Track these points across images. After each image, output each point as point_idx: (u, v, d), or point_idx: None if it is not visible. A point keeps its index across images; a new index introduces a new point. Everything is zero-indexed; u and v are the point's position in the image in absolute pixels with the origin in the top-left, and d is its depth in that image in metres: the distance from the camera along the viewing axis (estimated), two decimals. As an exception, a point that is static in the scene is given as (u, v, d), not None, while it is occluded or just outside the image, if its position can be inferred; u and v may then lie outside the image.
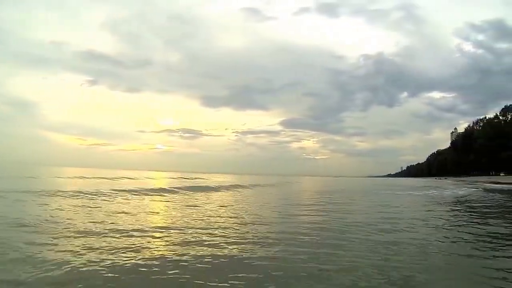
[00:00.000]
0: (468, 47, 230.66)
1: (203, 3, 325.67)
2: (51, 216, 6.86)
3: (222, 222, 7.05)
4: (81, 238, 4.92)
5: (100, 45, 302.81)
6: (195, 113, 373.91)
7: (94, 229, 5.62)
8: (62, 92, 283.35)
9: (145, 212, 8.71)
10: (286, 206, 11.70)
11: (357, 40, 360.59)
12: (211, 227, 6.42)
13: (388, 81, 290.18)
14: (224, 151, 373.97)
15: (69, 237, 4.97)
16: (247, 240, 5.22)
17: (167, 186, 18.73)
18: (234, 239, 5.30)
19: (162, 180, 29.41)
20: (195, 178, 34.02)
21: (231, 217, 7.97)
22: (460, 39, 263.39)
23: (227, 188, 21.27)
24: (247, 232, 5.94)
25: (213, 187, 20.65)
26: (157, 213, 8.92)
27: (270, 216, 8.69)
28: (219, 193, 17.56)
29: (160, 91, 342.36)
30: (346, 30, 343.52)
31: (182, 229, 6.02)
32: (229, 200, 13.55)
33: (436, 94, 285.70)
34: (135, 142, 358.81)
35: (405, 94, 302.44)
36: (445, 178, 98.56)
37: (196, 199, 13.20)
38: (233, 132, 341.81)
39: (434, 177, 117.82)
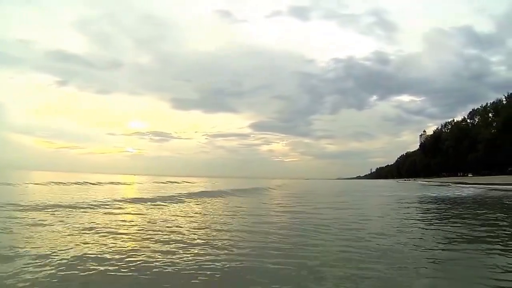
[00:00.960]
0: (437, 52, 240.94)
1: (175, 5, 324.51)
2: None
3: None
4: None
5: (70, 45, 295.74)
6: (166, 116, 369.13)
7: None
8: (30, 93, 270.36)
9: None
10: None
11: (328, 44, 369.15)
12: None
13: (358, 84, 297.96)
14: (194, 154, 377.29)
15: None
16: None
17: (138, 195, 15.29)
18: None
19: (131, 189, 24.04)
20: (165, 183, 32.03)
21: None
22: (429, 44, 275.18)
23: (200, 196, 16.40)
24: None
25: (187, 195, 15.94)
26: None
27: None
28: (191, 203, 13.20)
29: (131, 93, 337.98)
30: (317, 34, 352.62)
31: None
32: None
33: (405, 98, 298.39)
34: (105, 145, 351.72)
35: (374, 97, 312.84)
36: (414, 179, 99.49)
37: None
38: (203, 135, 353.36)
39: (403, 179, 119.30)
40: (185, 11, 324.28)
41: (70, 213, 8.11)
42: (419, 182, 73.02)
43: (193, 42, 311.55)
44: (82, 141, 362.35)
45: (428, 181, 71.67)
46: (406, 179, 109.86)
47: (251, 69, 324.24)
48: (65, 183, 23.35)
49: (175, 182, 38.94)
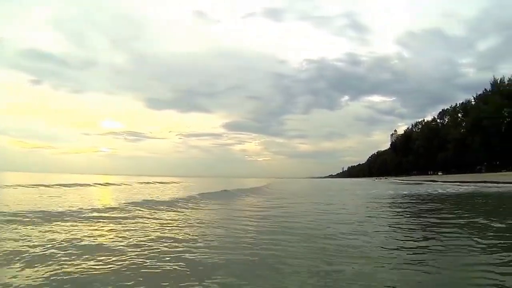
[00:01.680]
0: (408, 54, 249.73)
1: (150, 5, 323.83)
2: None
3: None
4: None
5: (44, 44, 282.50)
6: (140, 116, 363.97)
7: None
8: (3, 92, 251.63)
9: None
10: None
11: (301, 45, 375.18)
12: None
13: (330, 85, 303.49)
14: (169, 154, 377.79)
15: None
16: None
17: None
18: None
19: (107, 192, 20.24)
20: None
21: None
22: (400, 46, 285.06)
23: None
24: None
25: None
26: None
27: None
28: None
29: (106, 93, 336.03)
30: (291, 35, 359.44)
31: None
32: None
33: (376, 98, 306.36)
34: (79, 145, 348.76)
35: (346, 97, 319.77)
36: (386, 178, 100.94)
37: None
38: (177, 135, 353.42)
39: (375, 177, 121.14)
40: (160, 11, 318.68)
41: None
42: (392, 180, 73.56)
43: (167, 42, 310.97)
44: (56, 141, 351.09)
45: (400, 180, 72.42)
46: (378, 178, 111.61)
47: (224, 70, 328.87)
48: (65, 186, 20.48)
49: (163, 183, 36.73)
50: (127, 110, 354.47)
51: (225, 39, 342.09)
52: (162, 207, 9.40)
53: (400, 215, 9.05)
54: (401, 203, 13.02)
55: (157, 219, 7.33)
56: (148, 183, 35.20)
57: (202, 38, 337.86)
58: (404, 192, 20.86)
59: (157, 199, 11.79)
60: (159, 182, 37.95)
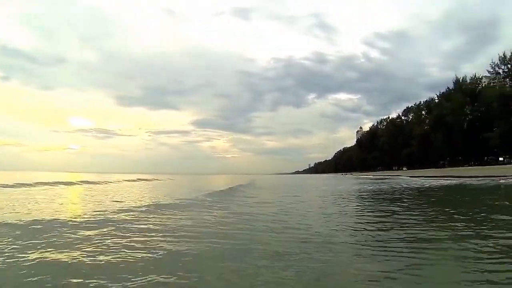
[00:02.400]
0: (374, 53, 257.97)
1: (121, 2, 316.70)
2: None
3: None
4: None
5: (13, 40, 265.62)
6: (110, 113, 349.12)
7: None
8: None
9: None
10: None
11: (269, 44, 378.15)
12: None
13: (297, 83, 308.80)
14: (138, 151, 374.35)
15: None
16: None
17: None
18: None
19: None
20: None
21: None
22: (367, 46, 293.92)
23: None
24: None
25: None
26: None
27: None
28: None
29: (75, 89, 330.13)
30: (259, 34, 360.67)
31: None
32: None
33: (342, 96, 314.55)
34: (48, 142, 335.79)
35: (313, 95, 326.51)
36: (351, 174, 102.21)
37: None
38: (146, 132, 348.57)
39: (341, 173, 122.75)
40: (131, 9, 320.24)
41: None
42: (359, 176, 73.90)
43: (138, 40, 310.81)
44: (25, 138, 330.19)
45: (366, 175, 73.03)
46: (344, 173, 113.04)
47: (193, 68, 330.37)
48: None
49: (146, 180, 36.19)
50: (96, 107, 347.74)
51: (194, 37, 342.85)
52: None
53: (364, 207, 9.82)
54: (367, 196, 13.99)
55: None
56: (132, 180, 32.57)
57: (172, 37, 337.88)
58: (370, 188, 21.57)
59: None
60: (144, 180, 35.97)
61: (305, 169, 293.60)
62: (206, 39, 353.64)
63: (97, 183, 25.52)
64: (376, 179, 44.87)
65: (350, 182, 34.33)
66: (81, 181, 26.36)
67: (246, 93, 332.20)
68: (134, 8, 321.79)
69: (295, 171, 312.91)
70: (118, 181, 30.59)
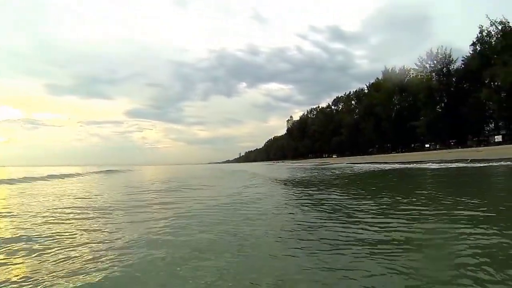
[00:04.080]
0: (307, 46, 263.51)
1: None
2: None
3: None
4: None
5: None
6: (40, 102, 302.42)
7: None
8: None
9: None
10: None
11: (203, 34, 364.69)
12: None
13: (229, 73, 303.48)
14: (69, 142, 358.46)
15: None
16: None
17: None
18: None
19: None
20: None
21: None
22: (300, 38, 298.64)
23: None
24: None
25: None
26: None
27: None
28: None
29: (2, 76, 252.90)
30: (193, 24, 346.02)
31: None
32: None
33: (274, 86, 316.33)
34: None
35: (244, 84, 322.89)
36: (283, 162, 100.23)
37: None
38: (78, 122, 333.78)
39: (273, 161, 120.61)
40: None
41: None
42: (292, 164, 71.03)
43: (69, 28, 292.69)
44: None
45: (300, 163, 70.64)
46: (276, 162, 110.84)
47: (126, 57, 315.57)
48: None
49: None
50: (26, 96, 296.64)
51: (127, 26, 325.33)
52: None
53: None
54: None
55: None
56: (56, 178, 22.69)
57: (104, 25, 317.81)
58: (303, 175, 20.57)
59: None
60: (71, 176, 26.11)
61: (236, 158, 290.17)
62: (140, 28, 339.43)
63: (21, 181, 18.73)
64: (316, 166, 41.81)
65: (286, 171, 29.90)
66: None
67: (178, 82, 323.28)
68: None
69: (226, 160, 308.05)
70: (43, 178, 21.97)
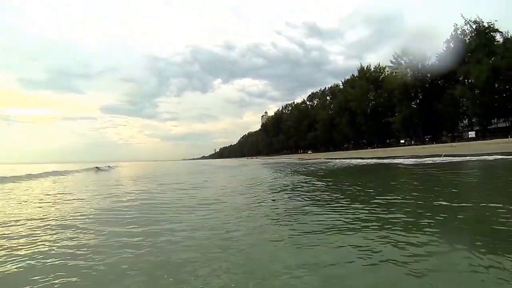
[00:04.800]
0: (282, 42, 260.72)
1: None
2: None
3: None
4: None
5: None
6: (12, 97, 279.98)
7: None
8: None
9: None
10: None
11: (177, 29, 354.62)
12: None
13: (203, 68, 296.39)
14: (43, 138, 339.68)
15: None
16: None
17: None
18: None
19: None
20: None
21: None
22: (276, 34, 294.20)
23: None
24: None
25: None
26: None
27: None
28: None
29: None
30: (167, 19, 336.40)
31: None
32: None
33: (248, 81, 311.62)
34: None
35: (219, 80, 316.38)
36: (257, 158, 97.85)
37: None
38: (51, 119, 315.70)
39: (247, 157, 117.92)
40: None
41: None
42: (267, 160, 68.75)
43: (41, 20, 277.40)
44: None
45: (278, 159, 68.49)
46: (250, 157, 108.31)
47: (100, 51, 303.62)
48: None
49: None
50: None
51: (102, 18, 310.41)
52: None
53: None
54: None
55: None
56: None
57: (78, 17, 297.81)
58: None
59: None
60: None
61: (210, 154, 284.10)
62: (114, 22, 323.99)
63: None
64: (300, 162, 39.31)
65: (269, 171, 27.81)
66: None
67: (152, 77, 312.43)
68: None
69: (201, 156, 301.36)
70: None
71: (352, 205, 5.64)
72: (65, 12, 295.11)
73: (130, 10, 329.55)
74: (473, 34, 40.88)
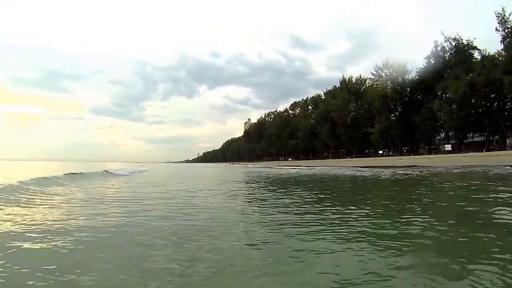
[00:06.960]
0: (266, 52, 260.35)
1: None
2: None
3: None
4: None
5: None
6: (2, 96, 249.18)
7: None
8: None
9: None
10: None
11: (165, 35, 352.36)
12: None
13: (190, 74, 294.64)
14: (30, 137, 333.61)
15: None
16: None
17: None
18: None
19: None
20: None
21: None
22: (260, 44, 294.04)
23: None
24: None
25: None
26: None
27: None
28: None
29: None
30: (157, 24, 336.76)
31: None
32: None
33: (232, 89, 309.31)
34: None
35: (204, 86, 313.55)
36: (239, 163, 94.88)
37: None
38: (40, 117, 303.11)
39: (229, 162, 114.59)
40: None
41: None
42: (247, 166, 66.05)
43: (35, 21, 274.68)
44: None
45: (259, 166, 65.85)
46: (232, 163, 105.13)
47: (89, 54, 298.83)
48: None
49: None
50: None
51: (91, 22, 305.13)
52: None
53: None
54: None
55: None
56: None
57: (67, 18, 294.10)
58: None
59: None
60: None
61: (194, 158, 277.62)
62: (103, 26, 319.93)
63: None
64: (278, 171, 36.99)
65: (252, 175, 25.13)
66: None
67: (139, 81, 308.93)
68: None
69: (185, 160, 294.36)
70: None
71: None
72: (56, 14, 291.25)
73: (121, 16, 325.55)
74: (452, 51, 40.42)
